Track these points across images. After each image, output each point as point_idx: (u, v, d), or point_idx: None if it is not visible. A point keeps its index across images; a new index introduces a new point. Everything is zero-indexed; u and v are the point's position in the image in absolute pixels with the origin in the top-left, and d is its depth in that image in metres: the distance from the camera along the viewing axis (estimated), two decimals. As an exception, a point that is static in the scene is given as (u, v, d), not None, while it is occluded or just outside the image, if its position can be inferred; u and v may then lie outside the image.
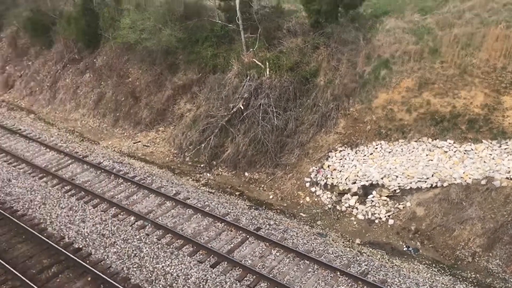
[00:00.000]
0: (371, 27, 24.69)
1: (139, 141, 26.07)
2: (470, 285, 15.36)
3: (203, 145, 23.27)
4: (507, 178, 17.22)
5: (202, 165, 23.30)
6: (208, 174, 22.73)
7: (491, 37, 21.16)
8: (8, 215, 18.75)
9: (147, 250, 16.91)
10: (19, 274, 15.54)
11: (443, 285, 15.21)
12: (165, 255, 16.67)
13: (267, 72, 23.58)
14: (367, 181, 19.62)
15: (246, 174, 22.21)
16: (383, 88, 21.73)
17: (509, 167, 17.53)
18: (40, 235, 17.45)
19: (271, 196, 20.84)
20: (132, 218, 18.74)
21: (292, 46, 24.69)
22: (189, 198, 19.94)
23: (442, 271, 16.03)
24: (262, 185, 21.50)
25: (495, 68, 20.22)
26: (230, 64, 25.32)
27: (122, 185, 21.14)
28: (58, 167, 22.78)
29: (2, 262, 16.16)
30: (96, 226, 18.35)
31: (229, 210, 19.14)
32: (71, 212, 19.30)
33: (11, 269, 15.80)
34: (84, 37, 30.86)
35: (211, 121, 23.71)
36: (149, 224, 18.30)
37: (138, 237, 17.65)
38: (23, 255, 16.80)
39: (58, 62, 32.37)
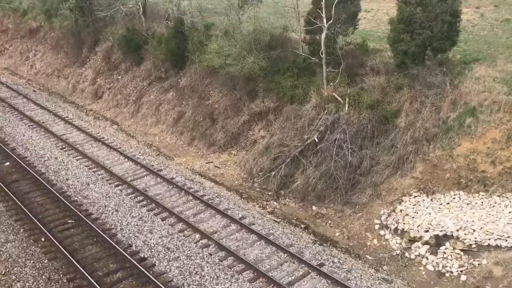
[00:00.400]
0: (459, 73, 23.92)
1: (211, 162, 26.65)
2: None
3: (273, 173, 23.33)
4: None
5: (269, 193, 23.32)
6: (275, 203, 22.69)
7: None
8: (83, 217, 19.71)
9: (208, 270, 17.03)
10: (87, 274, 16.17)
11: None
12: (225, 277, 16.69)
13: (346, 108, 23.41)
14: (440, 231, 18.63)
15: (314, 207, 21.92)
16: (467, 136, 20.80)
17: None
18: (110, 240, 18.15)
19: (337, 234, 20.36)
20: (197, 235, 19.02)
21: (374, 84, 24.44)
22: (254, 224, 19.96)
23: None
24: (329, 221, 21.09)
25: None
26: (309, 96, 25.46)
27: (191, 202, 21.60)
28: (134, 177, 23.76)
29: (73, 260, 16.92)
30: (163, 238, 18.80)
31: (293, 242, 18.91)
32: (140, 222, 19.95)
33: (81, 268, 16.48)
34: (172, 58, 32.43)
35: (284, 150, 23.79)
36: (213, 244, 18.46)
37: (201, 255, 17.84)
38: (92, 256, 17.51)
39: (145, 79, 34.14)
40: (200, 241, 18.71)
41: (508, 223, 17.82)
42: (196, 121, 29.55)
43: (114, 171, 24.14)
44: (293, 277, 16.70)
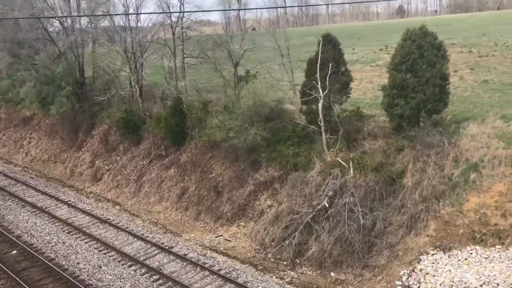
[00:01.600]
0: (454, 132, 25.07)
1: (221, 235, 26.52)
2: None
3: (286, 242, 23.36)
4: None
5: (285, 263, 23.16)
6: (292, 272, 22.48)
7: None
8: (101, 302, 19.19)
9: None
10: None
11: None
12: None
13: (351, 171, 24.05)
14: (464, 287, 18.65)
15: (332, 274, 21.79)
16: (474, 191, 21.42)
17: None
18: (132, 323, 17.60)
19: (361, 299, 20.16)
20: (220, 312, 18.61)
21: (374, 148, 25.33)
22: (277, 296, 19.66)
23: None
24: (350, 287, 20.89)
25: None
26: (312, 163, 26.15)
27: (208, 277, 21.29)
28: (146, 256, 23.43)
29: None
30: (185, 317, 18.31)
31: (320, 311, 18.60)
32: (160, 302, 19.48)
33: None
34: (172, 135, 33.18)
35: (295, 218, 23.97)
36: (238, 319, 18.03)
37: (226, 332, 17.38)
38: None
39: (145, 157, 34.56)
40: (224, 317, 18.26)
41: (529, 274, 18.00)
42: (200, 195, 29.69)
43: (125, 251, 23.80)
44: None
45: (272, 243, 24.22)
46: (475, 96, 33.72)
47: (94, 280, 21.20)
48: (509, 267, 18.61)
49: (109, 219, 28.74)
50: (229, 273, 21.55)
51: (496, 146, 22.73)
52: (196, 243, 25.78)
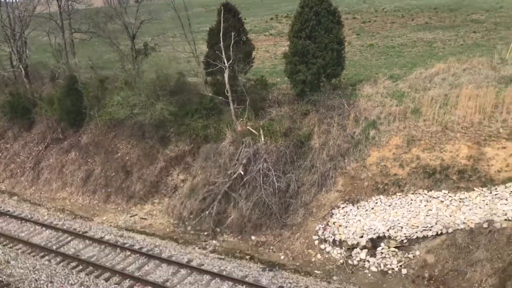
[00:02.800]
0: (351, 94, 26.83)
1: (136, 215, 25.91)
2: (492, 323, 16.06)
3: (205, 213, 23.50)
4: (505, 220, 18.65)
5: (206, 233, 23.39)
6: (214, 241, 22.82)
7: (464, 97, 23.62)
8: (16, 297, 17.93)
9: (172, 319, 16.58)
10: None
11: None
12: (192, 322, 16.41)
13: (262, 139, 24.73)
14: (374, 234, 20.48)
15: (253, 237, 22.51)
16: (374, 146, 23.33)
17: (504, 210, 19.01)
18: (56, 314, 16.75)
19: (282, 257, 21.15)
20: (150, 288, 18.43)
21: (282, 114, 26.23)
22: (204, 265, 19.91)
23: (463, 313, 16.72)
24: (271, 247, 21.82)
25: (473, 123, 22.41)
26: (222, 133, 26.38)
27: (130, 257, 20.84)
28: (59, 244, 22.17)
29: None
30: (113, 299, 17.86)
31: (246, 273, 19.25)
32: (82, 287, 18.68)
33: None
34: (68, 117, 31.19)
35: (211, 189, 24.17)
36: (169, 293, 18.03)
37: (160, 306, 17.32)
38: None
39: (40, 142, 32.18)
40: (154, 293, 18.13)
41: (427, 215, 20.25)
42: (108, 177, 28.54)
43: (35, 242, 22.31)
44: (258, 306, 17.01)
45: (190, 216, 24.26)
46: (364, 59, 36.21)
47: (4, 276, 19.64)
48: (410, 211, 20.74)
49: (9, 211, 26.56)
50: (151, 250, 21.31)
51: (390, 104, 24.81)
52: (111, 225, 24.94)
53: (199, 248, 22.29)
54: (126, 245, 21.73)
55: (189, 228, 24.03)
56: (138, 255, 20.86)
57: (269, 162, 23.62)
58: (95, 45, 37.67)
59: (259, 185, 23.06)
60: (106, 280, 19.08)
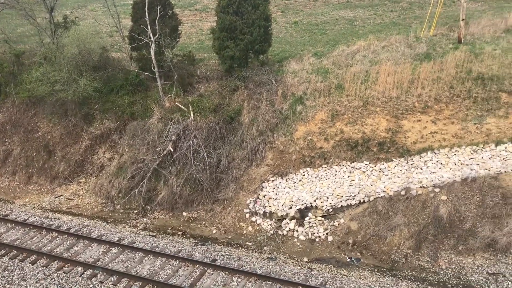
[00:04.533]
0: (278, 70, 27.39)
1: (61, 195, 24.97)
2: (409, 281, 17.56)
3: (135, 191, 23.19)
4: (420, 187, 20.25)
5: (135, 211, 23.13)
6: (145, 219, 22.65)
7: (383, 73, 24.98)
8: None
9: (105, 298, 16.44)
10: None
11: (388, 285, 17.19)
12: (126, 299, 16.36)
13: (192, 115, 24.67)
14: (302, 205, 21.40)
15: (185, 213, 22.62)
16: (301, 121, 24.13)
17: (419, 178, 20.62)
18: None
19: (214, 231, 21.48)
20: (80, 268, 18.02)
21: (211, 90, 26.24)
22: (135, 242, 19.76)
23: (384, 274, 18.10)
24: (203, 222, 22.07)
25: (391, 98, 23.84)
26: (150, 110, 25.96)
27: (58, 238, 20.16)
28: (-23, 230, 20.90)
29: None
30: (41, 282, 17.29)
31: (179, 248, 19.38)
32: (6, 272, 17.90)
33: None
34: (-20, 94, 29.04)
35: (140, 166, 23.83)
36: (100, 272, 17.75)
37: (91, 285, 17.06)
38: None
39: (-51, 122, 29.66)
40: (85, 272, 17.76)
41: (350, 185, 21.46)
42: (28, 157, 27.12)
43: None
44: (192, 279, 17.27)
45: (119, 195, 23.83)
46: (289, 36, 36.89)
47: None
48: (335, 182, 21.85)
49: None
50: (80, 230, 20.75)
51: (315, 80, 25.66)
52: (34, 207, 23.87)
53: (130, 226, 22.05)
54: (53, 227, 20.97)
55: (118, 207, 23.62)
56: (66, 236, 20.23)
57: (199, 138, 23.68)
58: (7, 17, 35.02)
59: (189, 162, 23.09)
60: (33, 263, 18.37)
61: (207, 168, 22.95)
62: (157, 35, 25.94)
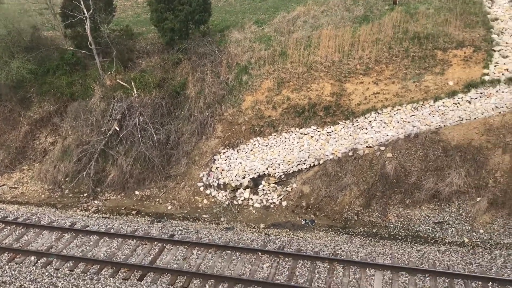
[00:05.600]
0: (221, 40, 27.07)
1: (3, 185, 23.84)
2: (362, 237, 18.35)
3: (83, 173, 22.53)
4: (367, 147, 20.96)
5: (86, 194, 22.52)
6: (96, 201, 22.13)
7: (324, 38, 25.28)
8: None
9: (63, 284, 16.06)
10: None
11: (343, 242, 17.89)
12: (84, 283, 16.07)
13: (135, 91, 24.04)
14: (254, 174, 21.63)
15: (137, 192, 22.28)
16: (248, 91, 24.13)
17: (365, 139, 21.31)
18: None
19: (169, 207, 21.36)
20: (33, 257, 17.44)
21: (153, 65, 25.59)
22: (89, 226, 19.32)
23: (338, 232, 18.78)
24: (157, 199, 21.86)
25: (334, 62, 24.25)
26: (91, 89, 25.05)
27: (5, 229, 19.34)
28: None
29: None
30: (-8, 276, 16.62)
31: (135, 228, 19.16)
32: (-47, 270, 17.04)
33: None
34: None
35: (86, 148, 23.11)
36: (55, 259, 17.28)
37: (47, 273, 16.59)
38: None
39: None
40: (39, 261, 17.23)
41: (300, 151, 21.87)
42: (-37, 148, 25.55)
43: None
44: (152, 256, 17.19)
45: (66, 179, 23.09)
46: (228, 5, 36.36)
47: None
48: (285, 148, 22.18)
49: None
50: (29, 219, 19.98)
51: (259, 49, 25.62)
52: (-25, 200, 22.70)
53: (81, 210, 21.49)
54: (-2, 218, 20.08)
55: (66, 191, 22.90)
56: (14, 226, 19.42)
57: (145, 115, 23.20)
58: None
59: (137, 140, 22.64)
60: (-20, 257, 17.59)
61: (156, 145, 22.60)
62: (91, 10, 24.81)
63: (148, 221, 20.25)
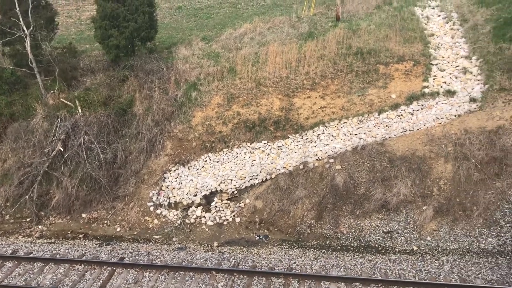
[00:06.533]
0: (168, 57, 26.87)
1: None
2: (315, 250, 18.50)
3: (25, 197, 21.40)
4: (316, 160, 21.26)
5: (28, 219, 21.39)
6: (40, 226, 21.06)
7: (272, 54, 25.66)
8: None
9: (5, 317, 15.08)
10: None
11: (297, 256, 17.96)
12: (29, 314, 15.17)
13: (80, 110, 23.29)
14: (206, 190, 21.40)
15: (84, 215, 21.42)
16: (198, 107, 23.96)
17: (315, 152, 21.64)
18: None
19: (118, 229, 20.66)
20: (-30, 291, 16.28)
21: (97, 83, 24.95)
22: (32, 252, 18.31)
23: (292, 246, 18.84)
24: (105, 221, 21.10)
25: (282, 78, 24.60)
26: (32, 109, 24.05)
27: None
28: None
29: None
30: None
31: (83, 252, 18.35)
32: None
33: None
34: None
35: (28, 171, 22.02)
36: (-5, 291, 16.22)
37: (-13, 307, 15.53)
38: None
39: None
40: (-23, 294, 16.12)
41: (252, 166, 21.87)
42: None
43: None
44: (101, 281, 16.48)
45: (7, 204, 21.85)
46: (174, 22, 36.28)
47: None
48: (237, 164, 22.12)
49: None
50: (-35, 249, 18.69)
51: (207, 65, 25.62)
52: None
53: (24, 236, 20.37)
54: None
55: (7, 217, 21.67)
56: None
57: (91, 134, 22.46)
58: None
59: (83, 160, 21.84)
60: None
61: (103, 164, 21.88)
62: (31, 28, 23.88)
63: (96, 244, 19.47)
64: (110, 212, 21.45)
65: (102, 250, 18.55)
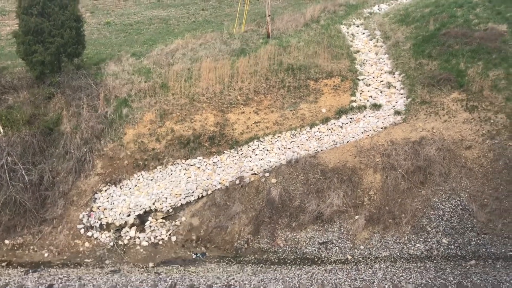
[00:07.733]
0: (97, 73, 26.09)
1: None
2: (253, 265, 18.47)
3: None
4: (252, 174, 21.38)
5: None
6: (-44, 257, 19.40)
7: (205, 70, 25.70)
8: None
9: None
10: None
11: (235, 272, 17.85)
12: None
13: (1, 130, 21.95)
14: (140, 210, 20.78)
15: (7, 241, 19.99)
16: (129, 124, 23.37)
17: (250, 166, 21.76)
18: None
19: (46, 254, 19.48)
20: None
21: (20, 100, 23.70)
22: None
23: (230, 263, 18.70)
24: (31, 247, 19.81)
25: (215, 93, 24.66)
26: None
27: None
28: None
29: None
30: None
31: (7, 281, 17.12)
32: None
33: None
34: None
35: None
36: None
37: None
38: None
39: None
40: None
41: (187, 182, 21.58)
42: None
43: None
44: (28, 312, 15.46)
45: None
46: (103, 37, 35.40)
47: None
48: (171, 181, 21.73)
49: None
50: None
51: (138, 81, 25.15)
52: None
53: None
54: None
55: None
56: None
57: (14, 155, 21.14)
58: None
59: (5, 182, 20.47)
60: None
61: (28, 186, 20.63)
62: None
63: (21, 272, 18.24)
64: (36, 236, 20.20)
65: (29, 278, 17.42)
